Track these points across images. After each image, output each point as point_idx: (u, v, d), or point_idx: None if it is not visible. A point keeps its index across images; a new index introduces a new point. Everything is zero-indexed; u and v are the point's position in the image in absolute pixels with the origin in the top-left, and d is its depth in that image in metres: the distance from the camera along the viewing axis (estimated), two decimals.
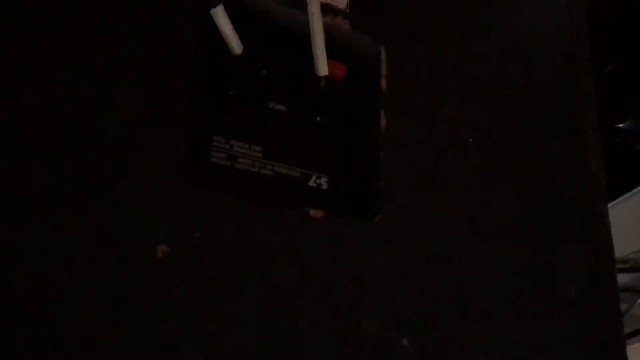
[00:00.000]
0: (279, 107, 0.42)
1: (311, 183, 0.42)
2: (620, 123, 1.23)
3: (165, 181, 0.34)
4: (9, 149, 0.31)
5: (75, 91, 0.34)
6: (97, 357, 0.30)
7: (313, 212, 0.38)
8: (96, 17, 0.35)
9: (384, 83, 0.43)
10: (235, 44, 0.40)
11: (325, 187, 0.42)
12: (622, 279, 1.08)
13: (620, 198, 1.10)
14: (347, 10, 0.44)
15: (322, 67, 0.41)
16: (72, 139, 0.33)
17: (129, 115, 0.34)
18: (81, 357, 0.30)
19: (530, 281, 0.44)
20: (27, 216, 0.31)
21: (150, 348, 0.31)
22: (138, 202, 0.33)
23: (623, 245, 1.06)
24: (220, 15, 0.38)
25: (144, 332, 0.31)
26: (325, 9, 0.42)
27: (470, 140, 0.46)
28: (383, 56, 0.44)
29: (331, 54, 0.42)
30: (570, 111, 0.52)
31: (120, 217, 0.32)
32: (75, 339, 0.30)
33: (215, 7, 0.38)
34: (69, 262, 0.31)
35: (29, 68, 0.33)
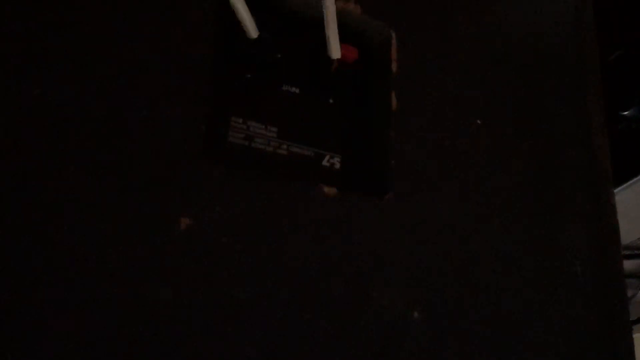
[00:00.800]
0: (294, 89, 0.44)
1: (324, 162, 0.43)
2: (625, 110, 1.23)
3: (186, 158, 0.35)
4: (39, 124, 0.33)
5: (101, 73, 0.35)
6: (119, 325, 0.31)
7: (326, 190, 0.39)
8: (119, 4, 0.37)
9: (394, 66, 0.45)
10: (252, 28, 0.41)
11: (337, 166, 0.44)
12: (628, 265, 1.09)
13: (625, 185, 1.11)
14: None
15: (335, 51, 0.43)
16: (100, 117, 0.34)
17: (152, 95, 0.36)
18: (103, 326, 0.31)
19: (539, 258, 0.46)
20: (54, 191, 0.32)
21: (172, 318, 0.33)
22: (162, 178, 0.35)
23: (628, 232, 1.06)
24: (237, 0, 0.39)
25: (166, 301, 0.33)
26: None
27: (479, 122, 0.47)
28: (393, 40, 0.45)
29: (343, 38, 0.43)
30: (576, 92, 0.53)
31: (145, 191, 0.34)
32: (100, 307, 0.31)
33: None
34: (94, 234, 0.32)
35: (56, 48, 0.34)
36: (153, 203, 0.34)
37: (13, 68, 0.33)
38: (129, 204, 0.33)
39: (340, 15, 0.43)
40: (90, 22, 0.35)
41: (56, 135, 0.33)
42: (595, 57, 0.55)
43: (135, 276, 0.32)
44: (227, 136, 0.40)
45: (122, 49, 0.36)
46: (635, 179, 1.14)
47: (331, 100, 0.45)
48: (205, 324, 0.33)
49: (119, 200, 0.33)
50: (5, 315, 0.29)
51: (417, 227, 0.42)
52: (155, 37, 0.37)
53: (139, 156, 0.34)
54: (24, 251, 0.30)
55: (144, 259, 0.33)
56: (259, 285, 0.35)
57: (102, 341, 0.31)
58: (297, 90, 0.44)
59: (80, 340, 0.30)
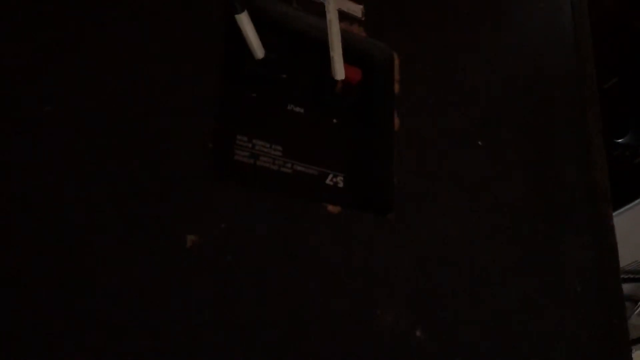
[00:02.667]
0: (298, 108, 0.44)
1: (328, 181, 0.44)
2: (620, 138, 1.25)
3: (193, 176, 0.36)
4: (50, 141, 0.33)
5: (110, 91, 0.35)
6: (125, 340, 0.32)
7: (330, 208, 0.40)
8: (132, 23, 0.37)
9: (396, 86, 0.46)
10: (258, 49, 0.42)
11: (341, 184, 0.44)
12: (626, 289, 1.09)
13: (620, 210, 1.12)
14: (363, 19, 0.46)
15: (339, 71, 0.44)
16: (109, 135, 0.35)
17: (161, 114, 0.36)
18: (108, 340, 0.31)
19: (539, 276, 0.46)
20: (64, 205, 0.32)
21: (178, 332, 0.33)
22: (169, 195, 0.35)
23: (623, 255, 1.07)
24: (244, 21, 0.40)
25: (172, 317, 0.33)
26: (342, 17, 0.45)
27: (479, 143, 0.48)
28: (396, 61, 0.46)
29: (347, 59, 0.44)
30: (575, 115, 0.54)
31: (153, 208, 0.34)
32: (105, 322, 0.31)
33: (240, 13, 0.40)
34: (103, 249, 0.32)
35: (71, 69, 0.35)
36: (160, 219, 0.34)
37: (26, 84, 0.33)
38: (136, 220, 0.34)
39: (345, 37, 0.43)
40: (102, 43, 0.36)
41: (65, 152, 0.33)
42: (593, 81, 0.57)
43: (141, 291, 0.33)
44: (233, 154, 0.41)
45: (132, 68, 0.36)
46: (630, 205, 1.15)
47: (335, 120, 0.46)
48: (208, 340, 0.33)
49: (127, 216, 0.34)
50: (15, 332, 0.29)
51: (419, 245, 0.42)
52: (167, 57, 0.38)
53: (146, 173, 0.35)
54: (33, 264, 0.31)
55: (150, 274, 0.33)
56: (262, 302, 0.36)
57: (108, 357, 0.31)
58: (302, 110, 0.45)
59: (87, 356, 0.30)
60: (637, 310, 1.31)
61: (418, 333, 0.40)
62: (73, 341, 0.30)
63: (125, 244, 0.33)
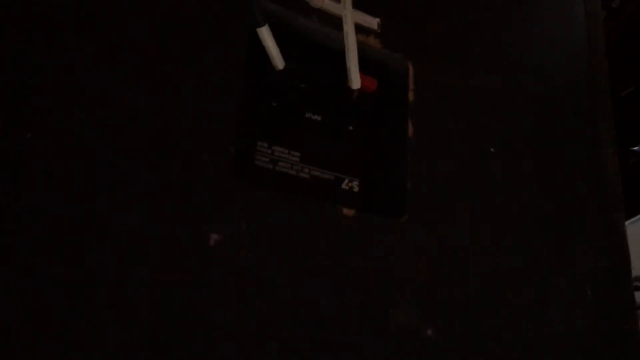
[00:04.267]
0: (316, 116, 0.46)
1: (344, 186, 0.46)
2: (635, 146, 1.25)
3: (217, 180, 0.38)
4: (83, 145, 0.35)
5: (143, 103, 0.38)
6: (148, 333, 0.34)
7: (345, 211, 0.42)
8: (160, 36, 0.39)
9: (411, 95, 0.47)
10: (278, 60, 0.44)
11: (356, 189, 0.46)
12: (637, 297, 1.09)
13: (635, 217, 1.13)
14: (378, 31, 0.48)
15: (355, 81, 0.46)
16: (141, 141, 0.37)
17: (187, 122, 0.38)
18: (130, 332, 0.33)
19: (550, 280, 0.47)
20: (96, 205, 0.35)
21: (199, 325, 0.35)
22: (194, 197, 0.37)
23: (636, 265, 1.07)
24: (265, 34, 0.42)
25: (194, 311, 0.35)
26: (359, 29, 0.47)
27: (492, 150, 0.49)
28: (410, 71, 0.48)
29: (363, 69, 0.46)
30: (588, 122, 0.56)
31: (179, 209, 0.36)
32: (131, 314, 0.33)
33: (261, 26, 0.42)
34: (132, 246, 0.35)
35: (103, 79, 0.37)
36: (186, 219, 0.36)
37: (59, 90, 0.36)
38: (163, 220, 0.36)
39: (361, 48, 0.45)
40: (134, 56, 0.38)
41: (98, 156, 0.35)
42: (606, 89, 0.57)
43: (167, 286, 0.35)
44: (254, 159, 0.43)
45: (162, 78, 0.39)
46: None
47: (351, 128, 0.47)
48: (228, 333, 0.35)
49: (154, 216, 0.36)
50: (39, 326, 0.31)
51: (431, 248, 0.44)
52: (192, 69, 0.40)
53: (173, 177, 0.37)
54: (65, 261, 0.33)
55: (176, 270, 0.35)
56: (280, 299, 0.37)
57: (130, 351, 0.33)
58: (319, 118, 0.47)
59: (113, 348, 0.33)
60: None
61: (429, 332, 0.41)
62: (97, 330, 0.32)
63: (153, 242, 0.35)
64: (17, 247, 0.32)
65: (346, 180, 0.46)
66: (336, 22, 0.45)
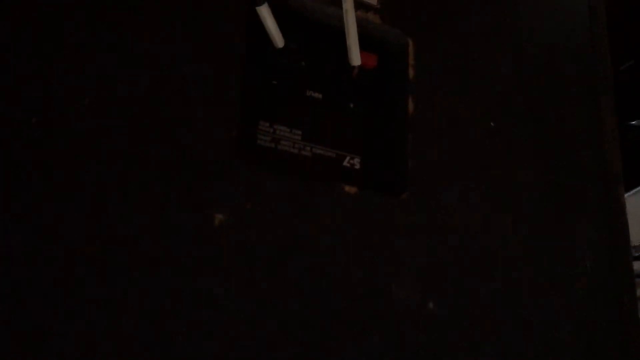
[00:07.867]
0: (317, 94, 0.47)
1: (345, 163, 0.46)
2: (634, 120, 1.25)
3: (219, 160, 0.38)
4: (91, 129, 0.35)
5: (144, 85, 0.38)
6: (151, 311, 0.34)
7: (347, 188, 0.42)
8: (159, 18, 0.39)
9: (411, 72, 0.47)
10: (278, 39, 0.44)
11: (357, 166, 0.46)
12: (635, 266, 1.10)
13: (634, 190, 1.13)
14: (378, 6, 0.48)
15: (355, 58, 0.45)
16: (144, 123, 0.37)
17: (189, 103, 0.39)
18: (137, 309, 0.34)
19: (549, 253, 0.48)
20: (105, 187, 0.35)
21: (205, 303, 0.35)
22: (197, 178, 0.37)
23: (637, 234, 1.08)
24: (265, 13, 0.42)
25: (199, 289, 0.35)
26: (358, 5, 0.46)
27: (492, 124, 0.49)
28: (410, 47, 0.48)
29: (363, 46, 0.46)
30: (589, 96, 0.56)
31: (183, 190, 0.37)
32: (135, 292, 0.34)
33: (260, 5, 0.42)
34: (139, 227, 0.35)
35: (108, 65, 0.37)
36: (190, 200, 0.37)
37: (69, 78, 0.36)
38: (168, 201, 0.36)
39: (360, 25, 0.45)
40: (135, 40, 0.38)
41: (105, 139, 0.36)
42: (607, 63, 0.57)
43: (173, 265, 0.35)
44: (256, 139, 0.43)
45: (162, 61, 0.39)
46: None
47: (352, 105, 0.48)
48: (232, 311, 0.36)
49: (159, 198, 0.36)
50: (47, 308, 0.32)
51: (432, 223, 0.44)
52: (193, 49, 0.40)
53: (176, 158, 0.37)
54: (67, 243, 0.33)
55: (181, 250, 0.36)
56: (283, 276, 0.38)
57: (139, 328, 0.33)
58: (320, 96, 0.47)
59: (118, 328, 0.33)
60: None
61: (430, 305, 0.42)
62: (108, 308, 0.33)
63: (159, 222, 0.35)
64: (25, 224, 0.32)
65: (347, 158, 0.46)
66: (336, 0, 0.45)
